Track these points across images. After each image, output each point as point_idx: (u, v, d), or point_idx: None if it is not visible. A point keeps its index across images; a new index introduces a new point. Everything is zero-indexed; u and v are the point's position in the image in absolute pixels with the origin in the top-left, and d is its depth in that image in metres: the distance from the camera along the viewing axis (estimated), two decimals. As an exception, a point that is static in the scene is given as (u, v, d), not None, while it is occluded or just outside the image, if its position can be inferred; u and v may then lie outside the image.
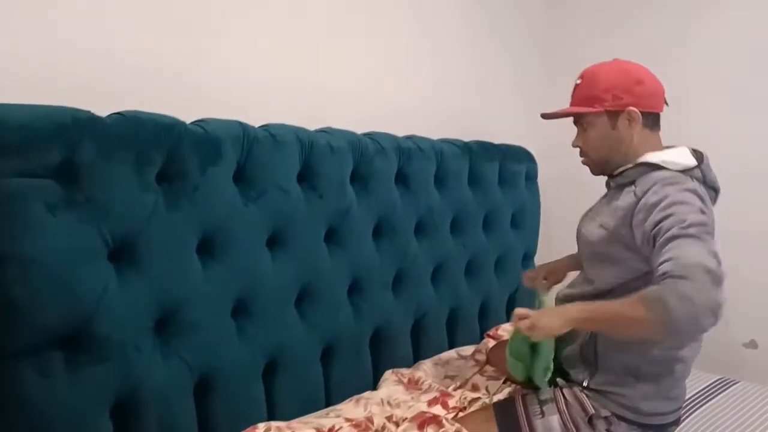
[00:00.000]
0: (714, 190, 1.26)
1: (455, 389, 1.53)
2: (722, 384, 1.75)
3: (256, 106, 1.56)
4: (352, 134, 1.66)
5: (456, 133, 2.09)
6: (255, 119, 1.46)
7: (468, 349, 1.86)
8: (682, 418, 1.50)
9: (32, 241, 1.03)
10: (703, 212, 1.11)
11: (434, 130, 2.01)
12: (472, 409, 1.40)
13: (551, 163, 2.48)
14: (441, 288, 1.91)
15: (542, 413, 1.27)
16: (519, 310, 1.21)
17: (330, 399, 1.56)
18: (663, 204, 1.12)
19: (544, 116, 1.39)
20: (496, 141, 2.19)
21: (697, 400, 1.64)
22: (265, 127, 1.47)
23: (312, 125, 1.60)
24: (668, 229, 1.07)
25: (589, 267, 1.34)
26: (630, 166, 1.27)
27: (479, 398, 1.48)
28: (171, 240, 1.23)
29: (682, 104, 2.24)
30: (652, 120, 1.28)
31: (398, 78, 2.01)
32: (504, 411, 1.30)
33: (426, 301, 1.86)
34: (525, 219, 2.26)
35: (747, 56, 2.16)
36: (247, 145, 1.38)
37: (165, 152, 1.23)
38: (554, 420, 1.25)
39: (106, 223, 1.13)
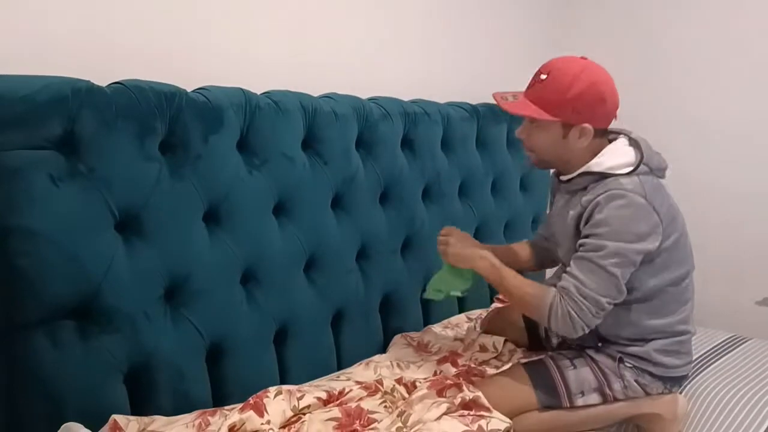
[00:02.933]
0: (663, 169, 1.30)
1: (464, 350, 1.54)
2: (734, 341, 1.75)
3: (258, 73, 1.54)
4: (357, 100, 1.64)
5: (464, 96, 2.06)
6: (257, 87, 1.44)
7: (477, 313, 1.86)
8: (693, 374, 1.50)
9: (37, 213, 1.03)
10: (631, 239, 1.18)
11: (441, 95, 1.97)
12: (487, 369, 1.43)
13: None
14: (450, 253, 1.90)
15: (573, 365, 1.30)
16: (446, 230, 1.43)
17: (341, 364, 1.58)
18: (595, 221, 1.20)
19: (498, 104, 1.29)
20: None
21: (709, 357, 1.63)
22: (268, 94, 1.45)
23: (315, 92, 1.58)
24: (587, 250, 1.20)
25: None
26: (575, 175, 1.28)
27: (488, 360, 1.49)
28: (176, 209, 1.23)
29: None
30: (602, 132, 1.28)
31: (404, 41, 1.97)
32: (535, 368, 1.33)
33: (435, 267, 1.85)
34: (534, 182, 2.24)
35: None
36: (249, 112, 1.37)
37: (167, 121, 1.22)
38: (586, 371, 1.30)
39: (111, 194, 1.13)
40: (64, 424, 0.99)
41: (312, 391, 1.18)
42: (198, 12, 1.47)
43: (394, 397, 1.24)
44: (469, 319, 1.82)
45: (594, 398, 1.29)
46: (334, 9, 1.76)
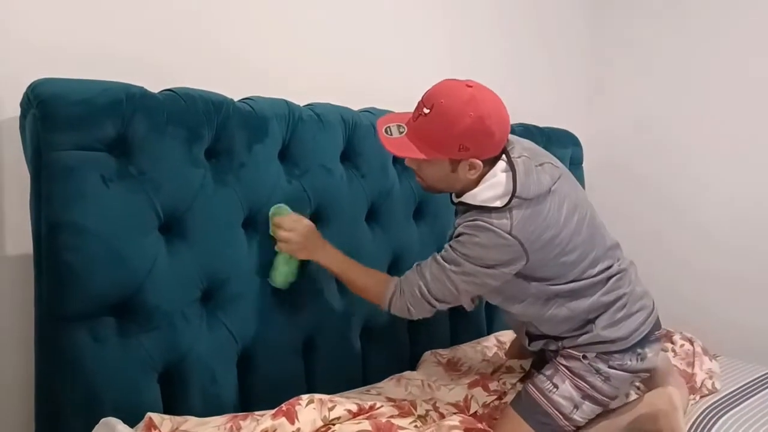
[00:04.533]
0: (543, 194, 1.21)
1: (492, 372, 1.53)
2: (771, 378, 1.70)
3: (301, 86, 1.57)
4: (396, 115, 1.65)
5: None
6: (299, 99, 1.47)
7: (506, 334, 1.85)
8: (725, 410, 1.46)
9: (87, 210, 1.07)
10: (487, 264, 1.20)
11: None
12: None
13: (596, 148, 2.43)
14: (481, 272, 1.90)
15: (555, 386, 1.29)
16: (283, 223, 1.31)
17: (367, 377, 1.58)
18: (458, 241, 1.22)
19: (380, 140, 1.22)
20: (541, 124, 2.16)
21: (742, 393, 1.59)
22: (310, 107, 1.48)
23: (356, 105, 1.60)
24: (445, 260, 1.23)
25: None
26: (457, 201, 1.28)
27: (515, 383, 1.48)
28: (218, 215, 1.26)
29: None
30: (492, 159, 1.22)
31: (442, 59, 2.00)
32: (524, 404, 1.31)
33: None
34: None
35: None
36: (292, 123, 1.40)
37: (214, 129, 1.25)
38: (567, 386, 1.28)
39: (158, 197, 1.17)
40: (103, 419, 1.01)
41: (343, 403, 1.18)
42: (246, 26, 1.51)
43: (426, 420, 1.25)
44: (499, 342, 1.80)
45: (588, 406, 1.28)
46: (379, 29, 1.80)
